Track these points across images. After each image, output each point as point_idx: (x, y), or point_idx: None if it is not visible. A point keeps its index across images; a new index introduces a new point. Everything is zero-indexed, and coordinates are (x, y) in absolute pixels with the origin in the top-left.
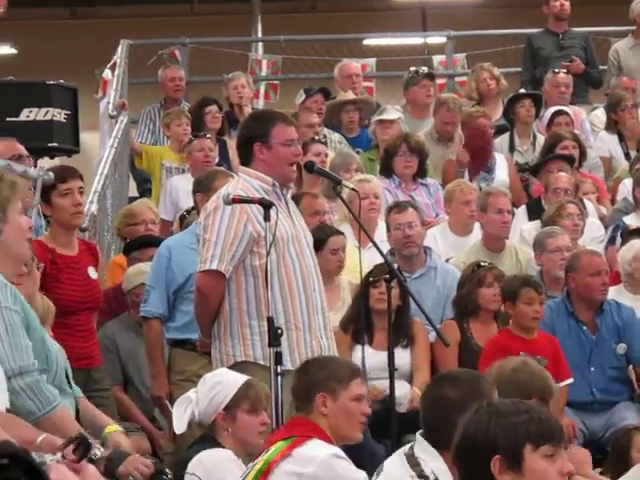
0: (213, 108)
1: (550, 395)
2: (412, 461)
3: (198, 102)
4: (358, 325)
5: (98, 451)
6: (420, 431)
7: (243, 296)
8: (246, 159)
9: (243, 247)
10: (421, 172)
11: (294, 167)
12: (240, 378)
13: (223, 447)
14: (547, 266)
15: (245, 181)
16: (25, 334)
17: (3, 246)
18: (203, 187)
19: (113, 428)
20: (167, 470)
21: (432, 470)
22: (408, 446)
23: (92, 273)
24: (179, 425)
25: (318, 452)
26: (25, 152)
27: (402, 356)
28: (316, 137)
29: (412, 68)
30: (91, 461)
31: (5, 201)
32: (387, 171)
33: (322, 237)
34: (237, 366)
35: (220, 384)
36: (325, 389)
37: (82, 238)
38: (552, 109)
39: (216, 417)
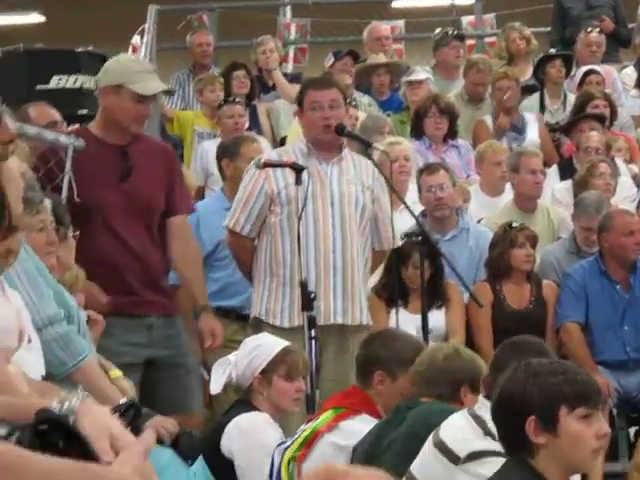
0: (240, 73)
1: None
2: (477, 419)
3: (227, 67)
4: (392, 291)
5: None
6: (483, 393)
7: (261, 253)
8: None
9: (260, 205)
10: (452, 133)
11: (327, 129)
12: (280, 343)
13: (259, 411)
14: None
15: (291, 144)
16: (44, 283)
17: None
18: (229, 153)
19: (116, 373)
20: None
21: None
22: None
23: None
24: (215, 386)
25: (362, 428)
26: (59, 118)
27: (437, 318)
28: (347, 100)
29: (440, 29)
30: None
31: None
32: (417, 133)
33: None
34: (254, 323)
35: (259, 347)
36: (385, 368)
37: None
38: (583, 68)
39: (252, 380)
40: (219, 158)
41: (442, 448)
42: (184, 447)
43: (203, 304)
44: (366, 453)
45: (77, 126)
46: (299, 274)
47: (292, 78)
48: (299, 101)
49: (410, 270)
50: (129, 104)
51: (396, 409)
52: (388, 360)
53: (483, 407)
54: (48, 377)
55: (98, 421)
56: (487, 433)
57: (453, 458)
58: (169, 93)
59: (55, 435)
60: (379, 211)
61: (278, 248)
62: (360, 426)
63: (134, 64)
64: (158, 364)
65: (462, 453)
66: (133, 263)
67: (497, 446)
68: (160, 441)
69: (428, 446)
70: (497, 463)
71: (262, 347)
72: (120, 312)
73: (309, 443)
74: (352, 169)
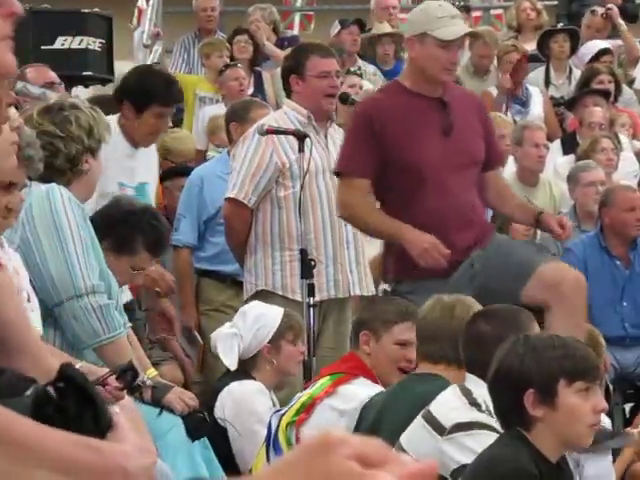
0: (242, 38)
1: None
2: (465, 391)
3: (232, 32)
4: None
5: (147, 380)
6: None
7: (268, 227)
8: (287, 92)
9: (267, 177)
10: None
11: (331, 99)
12: (279, 309)
13: (254, 379)
14: (580, 200)
15: (284, 113)
16: (94, 254)
17: (88, 179)
18: (238, 117)
19: (152, 372)
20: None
21: (484, 400)
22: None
23: None
24: (230, 362)
25: (362, 391)
26: (57, 79)
27: None
28: (351, 69)
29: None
30: (138, 388)
31: (102, 137)
32: None
33: None
34: (258, 294)
35: (263, 316)
36: (368, 328)
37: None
38: (595, 45)
39: (261, 350)
40: (227, 121)
41: (429, 419)
42: (191, 424)
43: None
44: (369, 425)
45: (81, 87)
46: (304, 245)
47: (289, 43)
48: (296, 66)
49: None
50: (434, 51)
51: (402, 383)
52: (371, 320)
53: (469, 379)
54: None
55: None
56: (472, 404)
57: (439, 429)
58: (473, 36)
59: (70, 397)
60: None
61: (291, 223)
62: (359, 389)
63: (436, 10)
64: None
65: (448, 424)
66: (460, 222)
67: (483, 417)
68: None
69: (418, 418)
70: (482, 435)
71: (265, 316)
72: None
73: (307, 409)
74: (338, 138)
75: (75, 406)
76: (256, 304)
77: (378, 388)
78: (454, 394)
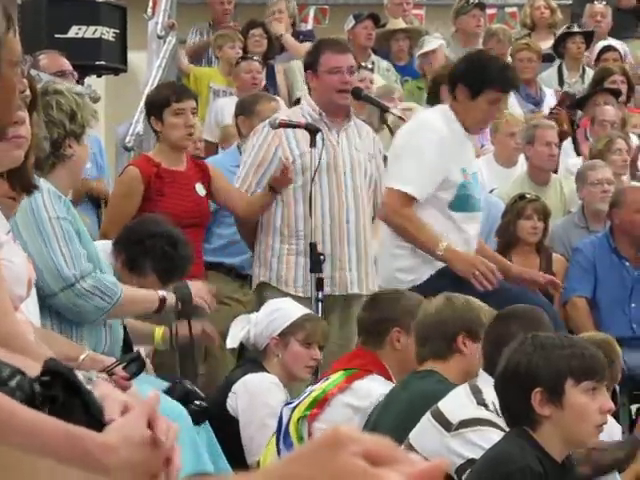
0: (257, 31)
1: (480, 327)
2: (474, 389)
3: (245, 25)
4: None
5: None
6: (482, 364)
7: (271, 219)
8: (308, 88)
9: (271, 171)
10: None
11: (344, 94)
12: (302, 309)
13: (268, 372)
14: (588, 199)
15: (300, 108)
16: (79, 243)
17: (73, 164)
18: (246, 110)
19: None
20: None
21: (492, 401)
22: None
23: (200, 189)
24: (232, 341)
25: (377, 388)
26: (69, 67)
27: None
28: (362, 63)
29: None
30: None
31: (87, 122)
32: (434, 100)
33: None
34: (258, 287)
35: (280, 310)
36: (400, 324)
37: (193, 155)
38: (600, 43)
39: (269, 341)
40: (236, 115)
41: (437, 416)
42: (192, 414)
43: None
44: (371, 422)
45: (94, 77)
46: (312, 239)
47: (304, 37)
48: (312, 62)
49: None
50: None
51: (406, 379)
52: (401, 316)
53: (482, 378)
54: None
55: (115, 391)
56: (480, 403)
57: (446, 425)
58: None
59: (56, 388)
60: (378, 179)
61: (291, 216)
62: (373, 385)
63: None
64: None
65: (454, 420)
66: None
67: (490, 416)
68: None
69: (426, 415)
70: (488, 432)
71: (284, 310)
72: None
73: (320, 403)
74: (357, 137)
75: (63, 397)
76: (284, 299)
77: (390, 385)
78: (464, 393)
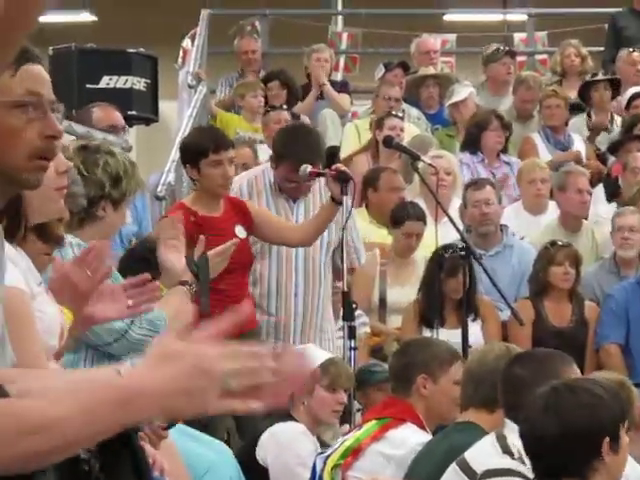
0: (274, 85)
1: None
2: (500, 438)
3: (264, 76)
4: (427, 310)
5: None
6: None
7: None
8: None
9: None
10: (504, 149)
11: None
12: (325, 354)
13: (296, 421)
14: (615, 245)
15: (265, 168)
16: None
17: (102, 227)
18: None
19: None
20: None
21: (518, 449)
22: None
23: (240, 232)
24: None
25: (411, 437)
26: (122, 122)
27: (474, 332)
28: (393, 112)
29: (493, 45)
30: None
31: (130, 191)
32: (472, 146)
33: (400, 217)
34: None
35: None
36: (426, 371)
37: (230, 197)
38: (630, 90)
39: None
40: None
41: (463, 466)
42: None
43: None
44: (409, 471)
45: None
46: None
47: (340, 87)
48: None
49: (452, 283)
50: None
51: (444, 431)
52: (428, 362)
53: (508, 427)
54: None
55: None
56: (505, 451)
57: (471, 475)
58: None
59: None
60: (348, 234)
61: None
62: (407, 433)
63: None
64: None
65: (479, 469)
66: None
67: (514, 465)
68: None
69: (452, 465)
70: None
71: (307, 356)
72: None
73: (354, 452)
74: (318, 200)
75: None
76: (308, 346)
77: (425, 434)
78: (490, 441)
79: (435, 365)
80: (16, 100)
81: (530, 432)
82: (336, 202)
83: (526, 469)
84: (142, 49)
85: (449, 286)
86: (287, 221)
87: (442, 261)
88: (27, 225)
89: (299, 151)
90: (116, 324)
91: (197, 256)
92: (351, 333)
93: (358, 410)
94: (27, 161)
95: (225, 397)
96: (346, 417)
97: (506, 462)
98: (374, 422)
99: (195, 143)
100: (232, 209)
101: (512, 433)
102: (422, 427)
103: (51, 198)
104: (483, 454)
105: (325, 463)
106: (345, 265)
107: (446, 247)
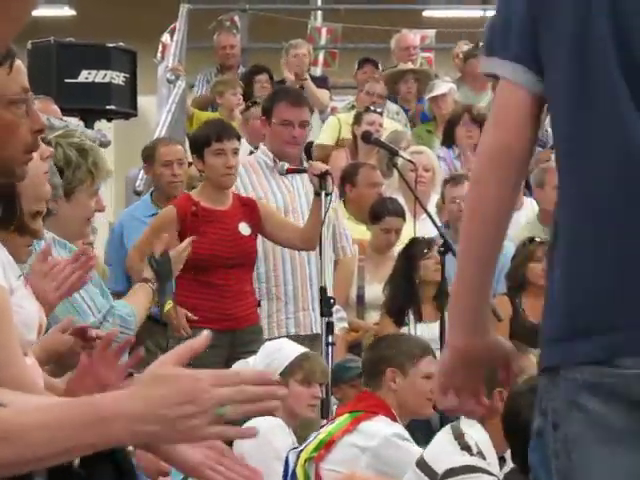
0: (262, 77)
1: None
2: (456, 433)
3: (249, 70)
4: (402, 303)
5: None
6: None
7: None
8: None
9: None
10: None
11: (293, 146)
12: (298, 349)
13: (273, 415)
14: None
15: (254, 156)
16: (92, 285)
17: (57, 220)
18: (149, 157)
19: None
20: None
21: (476, 442)
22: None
23: (244, 229)
24: None
25: (383, 428)
26: (59, 114)
27: None
28: (371, 107)
29: (465, 42)
30: None
31: (80, 181)
32: (449, 141)
33: (380, 213)
34: None
35: (278, 352)
36: (395, 364)
37: (241, 195)
38: None
39: None
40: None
41: (422, 465)
42: None
43: None
44: None
45: (104, 121)
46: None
47: (319, 82)
48: (267, 110)
49: (425, 271)
50: None
51: None
52: (397, 356)
53: (464, 420)
54: None
55: None
56: (463, 447)
57: (432, 475)
58: None
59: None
60: (335, 220)
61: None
62: (380, 425)
63: None
64: None
65: (440, 470)
66: None
67: (474, 461)
68: None
69: (412, 467)
70: (472, 479)
71: (281, 352)
72: None
73: (327, 445)
74: (309, 181)
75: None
76: (280, 341)
77: (398, 427)
78: (447, 438)
79: (404, 359)
80: (15, 97)
81: None
82: (318, 195)
83: (486, 464)
84: (121, 43)
85: (425, 268)
86: (292, 203)
87: (413, 252)
88: (22, 214)
89: (289, 91)
90: (88, 321)
91: (158, 254)
92: (329, 329)
93: (335, 404)
94: (23, 155)
95: (218, 423)
96: (324, 411)
97: (465, 459)
98: (347, 415)
99: (200, 134)
100: (240, 206)
101: (469, 427)
102: (395, 421)
103: (42, 182)
104: (442, 453)
105: (298, 457)
106: (323, 261)
107: (413, 246)
